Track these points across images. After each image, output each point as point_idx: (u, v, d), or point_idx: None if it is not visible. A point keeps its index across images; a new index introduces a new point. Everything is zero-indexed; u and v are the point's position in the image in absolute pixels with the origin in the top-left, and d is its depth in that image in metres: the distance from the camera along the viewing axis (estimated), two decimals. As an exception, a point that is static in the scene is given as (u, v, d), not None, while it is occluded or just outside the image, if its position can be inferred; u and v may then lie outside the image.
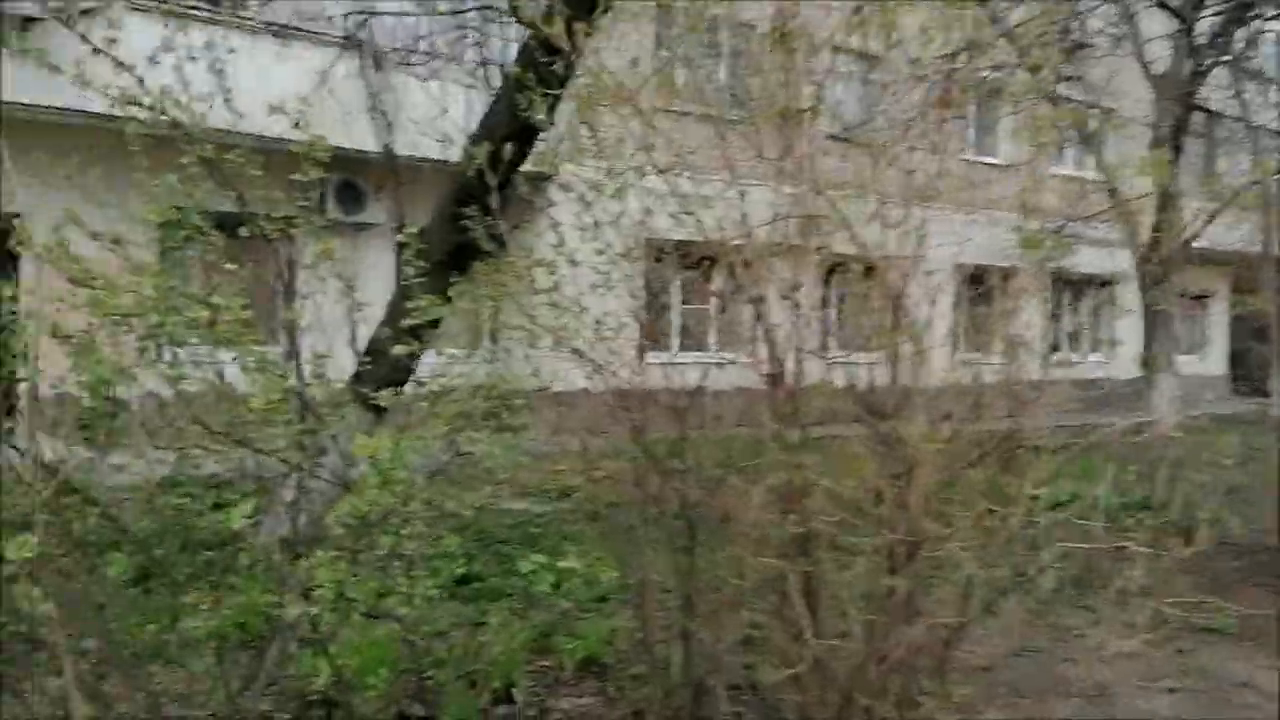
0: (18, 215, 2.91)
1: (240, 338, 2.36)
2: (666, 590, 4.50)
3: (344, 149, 11.97)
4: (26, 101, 9.88)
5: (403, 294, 6.71)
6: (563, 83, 4.98)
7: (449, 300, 3.47)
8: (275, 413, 2.33)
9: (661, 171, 3.51)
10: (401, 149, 12.47)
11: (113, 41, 3.10)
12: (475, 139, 5.94)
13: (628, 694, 4.57)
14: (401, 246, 12.20)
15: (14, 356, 2.26)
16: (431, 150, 10.67)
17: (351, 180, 13.13)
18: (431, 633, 3.64)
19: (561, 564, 2.62)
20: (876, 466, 2.79)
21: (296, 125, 3.01)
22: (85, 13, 7.90)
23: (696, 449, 4.23)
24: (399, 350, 2.56)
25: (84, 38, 3.21)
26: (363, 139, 12.36)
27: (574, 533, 7.39)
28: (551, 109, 3.81)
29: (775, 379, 3.27)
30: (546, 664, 5.07)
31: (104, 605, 2.63)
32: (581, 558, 2.60)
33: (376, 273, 11.99)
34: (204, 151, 2.77)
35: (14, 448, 2.29)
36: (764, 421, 4.62)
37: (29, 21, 8.74)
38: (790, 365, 3.31)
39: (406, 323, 2.64)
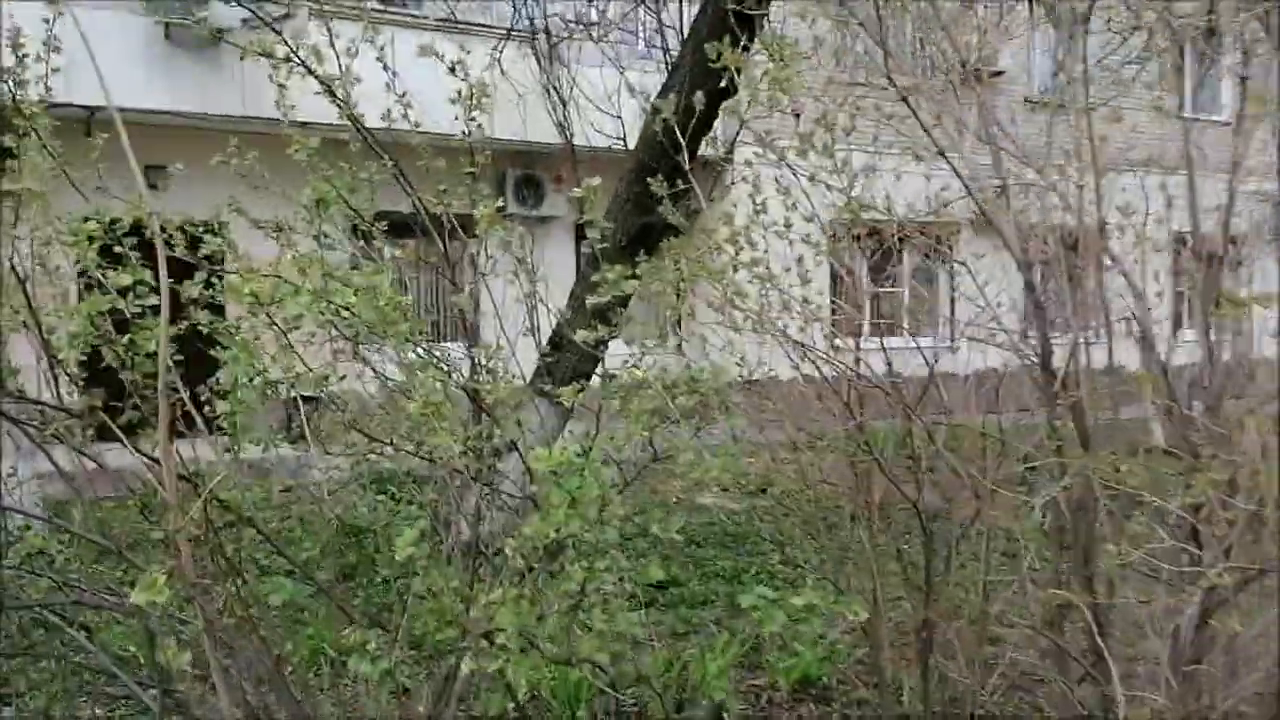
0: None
1: (394, 326, 1.95)
2: (898, 596, 3.91)
3: (523, 142, 11.91)
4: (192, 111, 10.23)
5: (585, 282, 6.36)
6: (752, 32, 4.45)
7: (637, 278, 3.00)
8: (436, 417, 1.91)
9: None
10: (578, 140, 12.23)
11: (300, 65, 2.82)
12: (661, 94, 5.47)
13: (853, 724, 4.01)
14: (582, 236, 11.80)
15: (147, 356, 1.95)
16: (607, 141, 10.35)
17: (530, 174, 13.02)
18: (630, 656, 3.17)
19: (798, 599, 2.07)
20: (1205, 470, 2.11)
21: (457, 100, 2.61)
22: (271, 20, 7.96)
23: (930, 445, 3.62)
24: (583, 335, 2.08)
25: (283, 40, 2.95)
26: (539, 132, 12.19)
27: (775, 535, 6.85)
28: (744, 52, 3.27)
29: (1047, 363, 2.63)
30: (757, 683, 4.56)
31: (265, 637, 2.30)
32: (815, 588, 2.09)
33: (558, 267, 11.77)
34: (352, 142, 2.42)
35: (150, 458, 1.96)
36: (1004, 410, 3.96)
37: (220, 31, 8.93)
38: (1062, 347, 2.66)
39: (592, 301, 2.17)
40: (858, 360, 3.52)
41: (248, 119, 9.71)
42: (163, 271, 1.86)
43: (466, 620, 1.85)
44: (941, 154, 2.69)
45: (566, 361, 5.82)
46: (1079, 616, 2.90)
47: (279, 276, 1.95)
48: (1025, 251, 2.65)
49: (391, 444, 2.28)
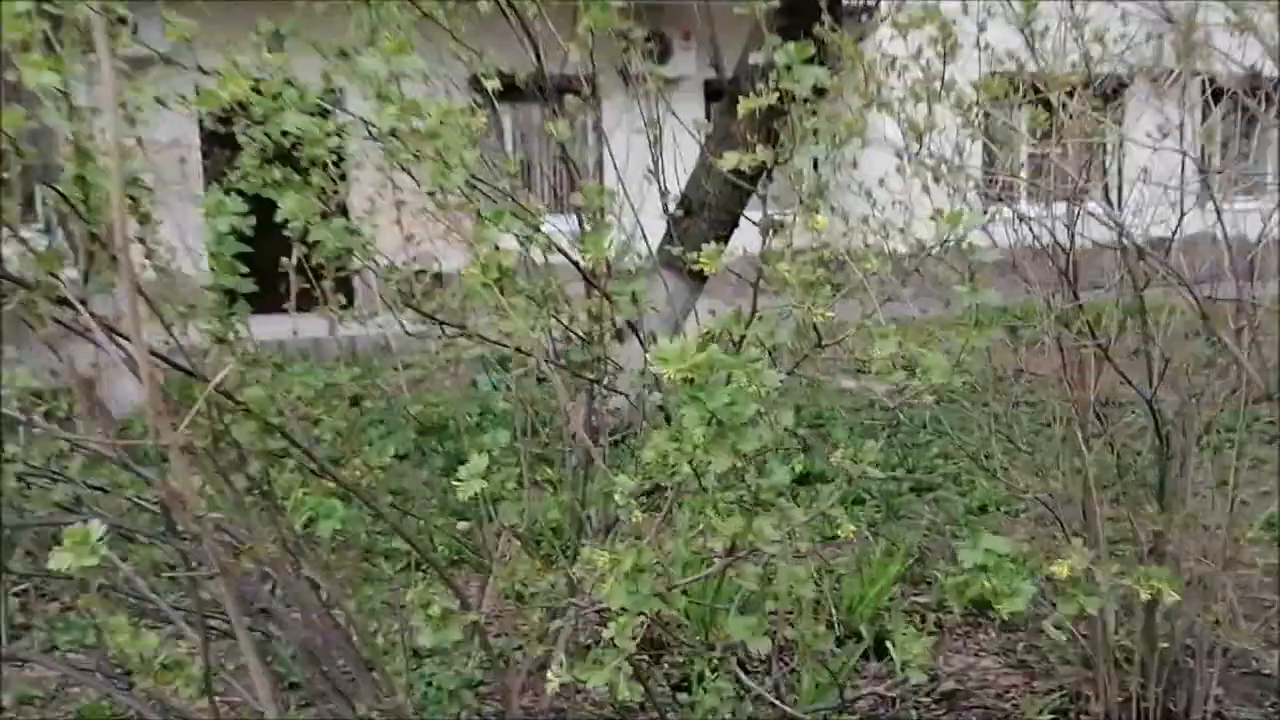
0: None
1: (447, 149, 1.30)
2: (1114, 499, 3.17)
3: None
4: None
5: (719, 137, 5.59)
6: None
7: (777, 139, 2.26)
8: (506, 285, 1.28)
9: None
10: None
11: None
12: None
13: (1048, 659, 3.34)
14: (711, 96, 10.72)
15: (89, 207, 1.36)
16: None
17: (656, 31, 12.08)
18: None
19: (1060, 565, 1.35)
20: None
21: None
22: None
23: (1164, 327, 2.82)
24: (733, 160, 1.38)
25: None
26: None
27: (934, 423, 6.09)
28: None
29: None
30: (921, 600, 3.92)
31: (315, 583, 1.77)
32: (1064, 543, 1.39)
33: (686, 131, 10.92)
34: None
35: (119, 335, 1.40)
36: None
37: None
38: None
39: (744, 105, 1.46)
40: (1077, 217, 2.72)
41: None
42: (106, 72, 1.25)
43: (563, 589, 1.24)
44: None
45: (698, 227, 5.13)
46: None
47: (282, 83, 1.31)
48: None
49: (462, 328, 1.68)
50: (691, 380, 1.00)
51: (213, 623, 2.03)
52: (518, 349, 1.48)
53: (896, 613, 3.64)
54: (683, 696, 3.25)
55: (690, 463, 1.17)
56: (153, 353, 1.44)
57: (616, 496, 1.20)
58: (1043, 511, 4.48)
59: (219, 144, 1.86)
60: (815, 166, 2.42)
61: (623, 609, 1.20)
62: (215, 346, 1.46)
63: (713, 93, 12.36)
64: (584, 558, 1.30)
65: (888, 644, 3.41)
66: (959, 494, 5.03)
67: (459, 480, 1.30)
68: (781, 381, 1.57)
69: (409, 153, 1.35)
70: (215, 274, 1.35)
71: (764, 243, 1.37)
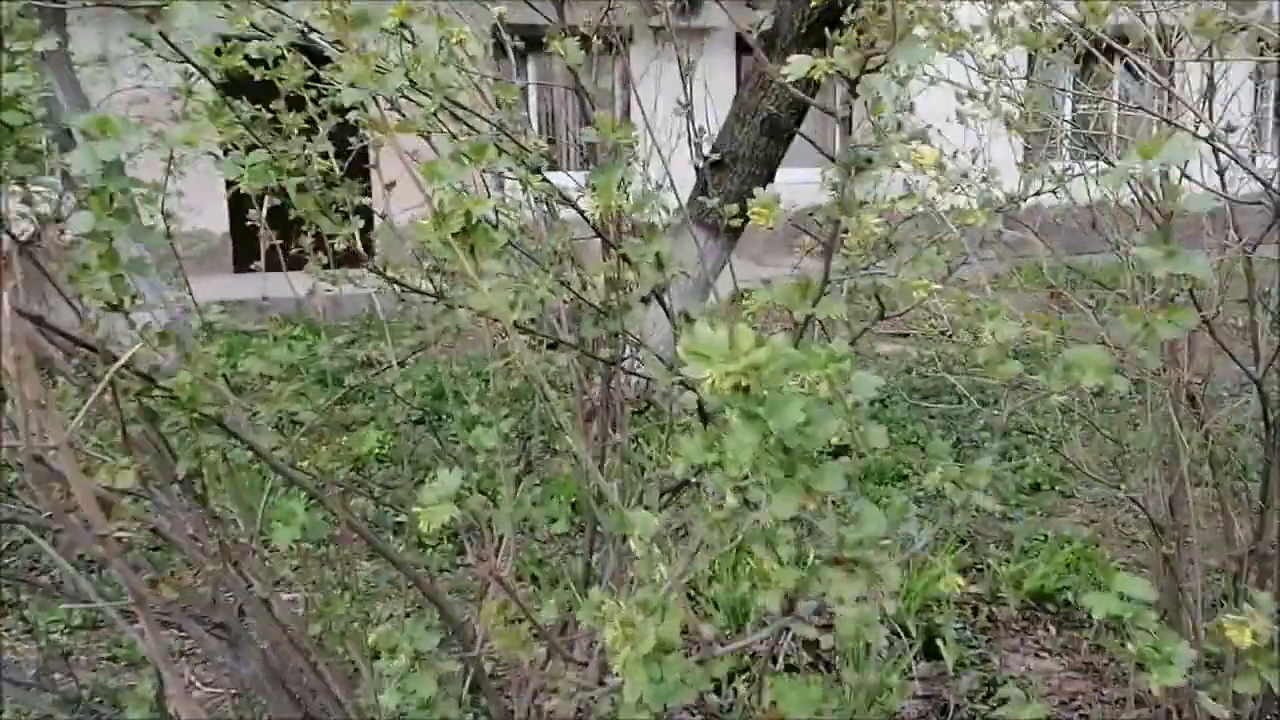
0: None
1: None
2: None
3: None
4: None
5: (751, 87, 5.19)
6: None
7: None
8: (478, 243, 0.94)
9: None
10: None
11: None
12: None
13: (1119, 663, 3.00)
14: (743, 49, 10.25)
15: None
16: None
17: (688, -21, 11.55)
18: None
19: (1237, 627, 1.01)
20: None
21: None
22: None
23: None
24: (799, 65, 1.02)
25: None
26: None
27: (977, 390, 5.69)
28: None
29: None
30: (974, 590, 3.58)
31: (267, 600, 1.46)
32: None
33: (718, 82, 10.45)
34: None
35: (31, 319, 1.08)
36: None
37: None
38: None
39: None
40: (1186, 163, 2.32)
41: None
42: None
43: (563, 668, 0.92)
44: None
45: (730, 182, 4.75)
46: None
47: None
48: None
49: (440, 296, 1.35)
50: (747, 388, 0.66)
51: (169, 625, 1.74)
52: (497, 322, 1.15)
53: (947, 606, 3.31)
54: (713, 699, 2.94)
55: (738, 485, 0.83)
56: (31, 318, 1.11)
57: (632, 543, 0.88)
58: (1101, 492, 4.12)
59: (231, 91, 1.56)
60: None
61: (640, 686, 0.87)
62: (107, 315, 1.12)
63: (745, 45, 11.84)
64: (592, 602, 0.96)
65: (938, 641, 3.11)
66: (1010, 470, 4.67)
67: (421, 507, 0.97)
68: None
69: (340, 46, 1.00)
70: (94, 218, 1.01)
71: (843, 187, 1.01)
